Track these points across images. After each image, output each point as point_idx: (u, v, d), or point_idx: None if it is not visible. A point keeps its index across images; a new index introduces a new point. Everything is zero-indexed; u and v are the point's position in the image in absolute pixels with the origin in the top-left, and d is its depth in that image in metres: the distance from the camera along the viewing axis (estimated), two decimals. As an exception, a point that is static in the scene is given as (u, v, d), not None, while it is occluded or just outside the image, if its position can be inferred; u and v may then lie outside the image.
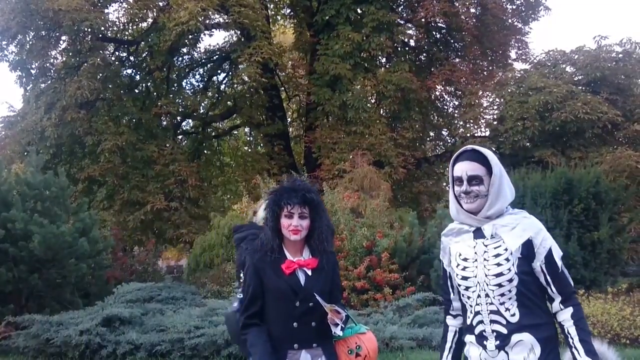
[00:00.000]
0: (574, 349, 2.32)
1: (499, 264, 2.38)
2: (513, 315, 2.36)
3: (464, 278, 2.47)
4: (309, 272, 2.75)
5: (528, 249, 2.38)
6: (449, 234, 2.60)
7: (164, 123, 18.47)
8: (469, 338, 2.50)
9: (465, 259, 2.49)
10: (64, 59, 17.38)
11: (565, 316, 2.37)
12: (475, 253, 2.45)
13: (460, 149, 2.58)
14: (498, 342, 2.38)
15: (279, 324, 2.69)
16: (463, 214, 2.50)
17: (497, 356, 2.39)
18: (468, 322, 2.50)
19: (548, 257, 2.37)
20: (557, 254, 2.40)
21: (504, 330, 2.37)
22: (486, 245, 2.43)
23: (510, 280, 2.36)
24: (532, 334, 2.34)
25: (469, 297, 2.47)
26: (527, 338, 2.34)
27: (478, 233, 2.47)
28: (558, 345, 2.41)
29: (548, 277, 2.37)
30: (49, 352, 7.33)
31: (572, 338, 2.33)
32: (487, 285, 2.39)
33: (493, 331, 2.39)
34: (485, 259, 2.42)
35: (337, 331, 2.67)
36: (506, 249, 2.39)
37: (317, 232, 2.79)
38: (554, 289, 2.38)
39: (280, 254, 2.76)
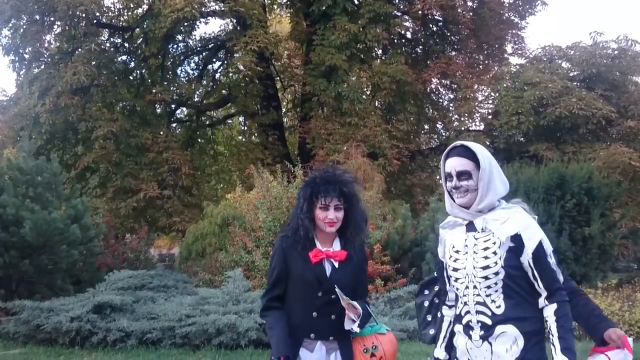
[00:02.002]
0: (552, 346, 2.33)
1: (486, 257, 2.43)
2: (498, 307, 2.40)
3: (455, 269, 2.53)
4: (336, 264, 2.70)
5: (516, 243, 2.39)
6: (445, 226, 2.65)
7: (158, 110, 18.41)
8: (457, 327, 2.56)
9: (457, 251, 2.54)
10: (58, 44, 17.24)
11: (548, 312, 2.37)
12: (466, 246, 2.50)
13: (450, 146, 2.62)
14: (482, 332, 2.42)
15: (299, 312, 2.67)
16: (456, 208, 2.56)
17: (481, 346, 2.43)
18: (457, 312, 2.57)
19: (536, 253, 2.37)
20: (547, 249, 2.40)
21: (489, 321, 2.41)
22: (477, 239, 2.48)
23: (497, 273, 2.39)
24: (516, 326, 2.36)
25: (457, 288, 2.54)
26: (511, 330, 2.36)
27: (470, 226, 2.52)
28: (544, 340, 2.42)
29: (535, 273, 2.38)
30: (39, 338, 7.31)
31: (552, 335, 2.34)
32: (475, 277, 2.44)
33: (478, 321, 2.44)
34: (475, 252, 2.47)
35: (354, 327, 2.63)
36: (494, 243, 2.42)
37: (352, 224, 2.74)
38: (540, 284, 2.38)
39: (310, 242, 2.71)
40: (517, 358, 2.35)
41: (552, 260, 2.40)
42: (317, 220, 2.70)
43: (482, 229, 2.47)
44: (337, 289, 2.60)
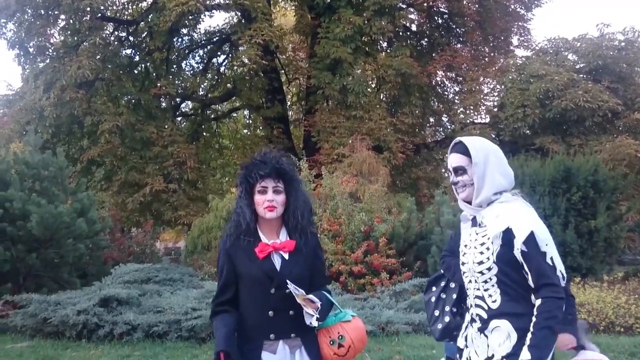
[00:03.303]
0: (525, 342, 2.30)
1: (481, 252, 2.46)
2: (494, 301, 2.42)
3: (462, 263, 2.59)
4: (286, 256, 2.52)
5: (508, 237, 2.37)
6: (462, 219, 2.67)
7: (163, 104, 18.41)
8: (467, 317, 2.63)
9: (465, 245, 2.59)
10: (63, 38, 17.26)
11: (534, 309, 2.32)
12: (471, 240, 2.55)
13: (453, 142, 2.64)
14: (480, 325, 2.47)
15: (254, 313, 2.48)
16: (461, 203, 2.60)
17: (480, 338, 2.48)
18: (467, 303, 2.64)
19: (525, 246, 2.33)
20: (540, 242, 2.34)
21: (485, 315, 2.45)
22: (477, 234, 2.52)
23: (490, 269, 2.42)
24: (510, 322, 2.36)
25: (464, 281, 2.60)
26: (505, 325, 2.37)
27: (474, 221, 2.56)
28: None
29: (525, 266, 2.35)
30: (47, 332, 7.36)
31: (529, 330, 2.31)
32: (474, 272, 2.49)
33: (477, 314, 2.49)
34: (474, 247, 2.51)
35: (313, 321, 2.43)
36: (489, 238, 2.44)
37: (292, 209, 2.55)
38: (530, 278, 2.35)
39: (254, 237, 2.54)
40: (508, 353, 2.34)
41: (544, 253, 2.34)
42: (257, 206, 2.52)
43: (480, 224, 2.51)
44: (289, 284, 2.43)
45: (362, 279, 9.28)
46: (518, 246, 2.34)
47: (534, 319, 2.30)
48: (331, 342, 2.53)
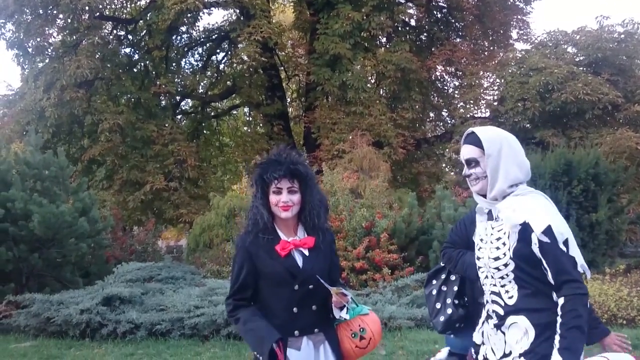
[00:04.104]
0: (554, 343, 2.23)
1: (497, 248, 2.38)
2: (511, 297, 2.36)
3: (478, 258, 2.52)
4: (306, 252, 2.55)
5: (525, 232, 2.30)
6: (478, 212, 2.58)
7: (163, 102, 18.40)
8: (483, 314, 2.56)
9: (481, 240, 2.51)
10: (61, 37, 17.24)
11: (558, 309, 2.25)
12: (486, 235, 2.47)
13: (465, 132, 2.57)
14: (496, 321, 2.41)
15: (278, 311, 2.49)
16: (476, 196, 2.52)
17: (496, 335, 2.42)
18: (483, 299, 2.57)
19: (543, 241, 2.26)
20: (558, 236, 2.27)
21: (501, 311, 2.39)
22: (492, 228, 2.44)
23: (506, 265, 2.35)
24: (528, 317, 2.30)
25: (480, 276, 2.53)
26: (522, 321, 2.31)
27: (490, 215, 2.49)
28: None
29: (544, 262, 2.28)
30: (50, 331, 7.39)
31: (556, 331, 2.23)
32: (490, 267, 2.41)
33: (493, 311, 2.43)
34: (490, 242, 2.43)
35: (343, 315, 2.51)
36: (505, 233, 2.37)
37: (308, 208, 2.56)
38: (549, 275, 2.27)
39: (273, 235, 2.54)
40: (525, 350, 2.29)
41: (563, 248, 2.26)
42: (272, 206, 2.53)
43: (496, 218, 2.43)
44: (321, 280, 2.46)
45: (364, 275, 9.29)
46: (535, 241, 2.27)
47: (559, 319, 2.22)
48: (353, 335, 2.56)
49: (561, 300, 2.24)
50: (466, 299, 3.30)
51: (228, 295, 2.61)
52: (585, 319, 2.23)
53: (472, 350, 2.68)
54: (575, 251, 2.30)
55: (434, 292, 3.34)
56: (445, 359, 2.97)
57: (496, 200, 2.43)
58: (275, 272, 2.50)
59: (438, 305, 3.29)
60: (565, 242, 2.28)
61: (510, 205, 2.37)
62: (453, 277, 3.27)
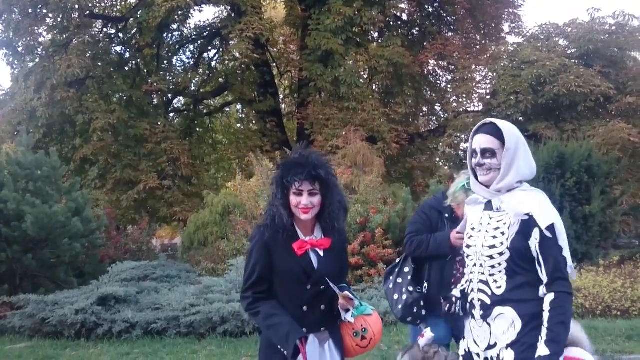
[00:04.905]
0: (540, 337, 2.30)
1: (494, 237, 2.43)
2: (499, 287, 2.39)
3: (468, 246, 2.55)
4: (321, 253, 2.59)
5: (527, 224, 2.36)
6: (470, 202, 2.65)
7: (155, 101, 18.32)
8: (466, 306, 2.58)
9: (473, 229, 2.56)
10: (51, 36, 17.13)
11: (545, 303, 2.32)
12: (481, 224, 2.51)
13: (480, 122, 2.59)
14: (482, 312, 2.44)
15: (289, 308, 2.52)
16: (478, 186, 2.55)
17: (482, 326, 2.45)
18: (464, 289, 2.60)
19: (545, 236, 2.33)
20: (559, 236, 2.35)
21: (488, 301, 2.42)
22: (491, 218, 2.48)
23: (501, 254, 2.39)
24: (515, 309, 2.35)
25: (467, 265, 2.55)
26: (509, 312, 2.35)
27: (488, 205, 2.52)
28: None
29: (540, 258, 2.35)
30: (45, 332, 7.35)
31: (543, 325, 2.30)
32: (482, 255, 2.45)
33: (479, 300, 2.45)
34: (486, 231, 2.47)
35: (348, 317, 2.60)
36: (505, 223, 2.42)
37: (328, 211, 2.58)
38: (543, 270, 2.34)
39: (292, 232, 2.57)
40: (512, 341, 2.34)
41: (561, 247, 2.35)
42: (292, 207, 2.55)
43: (497, 209, 2.47)
44: (330, 284, 2.52)
45: (360, 271, 9.29)
46: (537, 235, 2.34)
47: (547, 313, 2.29)
48: (355, 334, 2.63)
49: (551, 296, 2.31)
50: (426, 284, 3.47)
51: (244, 288, 2.61)
52: (570, 316, 2.33)
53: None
54: (567, 253, 2.38)
55: (391, 285, 3.66)
56: (427, 343, 2.99)
57: (499, 192, 2.47)
58: (290, 269, 2.54)
59: (396, 297, 3.52)
60: (563, 242, 2.36)
61: (516, 198, 2.43)
62: (406, 269, 3.52)
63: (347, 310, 2.59)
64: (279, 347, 2.46)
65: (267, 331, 2.54)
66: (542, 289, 2.34)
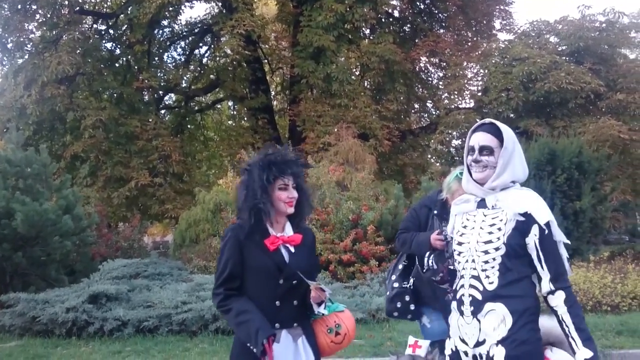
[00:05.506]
0: (570, 339, 2.33)
1: (490, 232, 2.45)
2: (491, 283, 2.40)
3: (459, 243, 2.56)
4: (292, 249, 2.63)
5: (524, 222, 2.40)
6: (458, 202, 2.68)
7: (146, 97, 18.24)
8: (453, 304, 2.58)
9: (464, 227, 2.58)
10: (41, 33, 17.00)
11: (557, 301, 2.36)
12: (474, 222, 2.54)
13: (479, 122, 2.64)
14: (472, 308, 2.44)
15: (261, 303, 2.54)
16: (472, 183, 2.58)
17: (471, 323, 2.45)
18: (454, 286, 2.60)
19: (543, 234, 2.38)
20: (556, 234, 2.41)
21: (479, 297, 2.42)
22: (485, 215, 2.51)
23: (497, 249, 2.41)
24: (505, 305, 2.36)
25: (459, 262, 2.56)
26: (500, 309, 2.36)
27: (481, 203, 2.55)
28: (536, 320, 2.41)
29: (540, 254, 2.38)
30: (36, 330, 7.30)
31: (567, 326, 2.33)
32: (476, 251, 2.47)
33: (470, 295, 2.46)
34: (481, 227, 2.49)
35: (321, 310, 2.61)
36: (501, 220, 2.45)
37: (302, 206, 2.67)
38: (544, 266, 2.37)
39: (265, 229, 2.61)
40: (503, 337, 2.34)
41: (559, 243, 2.41)
42: (277, 201, 2.60)
43: (493, 206, 2.50)
44: (302, 276, 2.55)
45: (352, 267, 9.31)
46: (536, 232, 2.38)
47: (567, 312, 2.33)
48: (328, 331, 2.65)
49: (562, 294, 2.36)
50: (412, 279, 3.53)
51: (217, 285, 2.62)
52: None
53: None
54: (563, 249, 2.44)
55: (387, 282, 3.78)
56: (429, 351, 3.01)
57: (493, 190, 2.52)
58: (263, 265, 2.56)
59: (387, 293, 3.58)
60: (559, 239, 2.42)
61: (513, 195, 2.48)
62: (400, 266, 3.62)
63: (319, 304, 2.60)
64: (247, 344, 2.47)
65: (237, 328, 2.55)
66: (547, 285, 2.37)
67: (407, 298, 3.57)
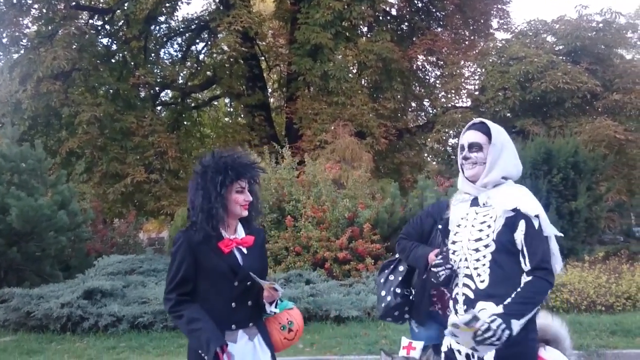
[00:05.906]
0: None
1: (480, 230, 2.47)
2: (482, 281, 2.42)
3: (454, 242, 2.59)
4: (245, 251, 2.67)
5: (513, 217, 2.41)
6: (454, 201, 2.71)
7: (142, 94, 18.16)
8: (450, 303, 2.60)
9: (458, 225, 2.60)
10: (36, 27, 16.92)
11: (523, 282, 2.36)
12: (467, 220, 2.56)
13: (471, 121, 2.68)
14: (465, 307, 2.45)
15: (217, 305, 2.57)
16: (465, 182, 2.61)
17: None
18: (450, 285, 2.60)
19: (529, 228, 2.38)
20: (545, 228, 2.40)
21: (471, 295, 2.44)
22: (477, 213, 2.53)
23: (487, 246, 2.43)
24: (496, 304, 2.35)
25: (454, 261, 2.57)
26: (491, 308, 2.35)
27: (474, 201, 2.58)
28: (530, 320, 2.38)
29: (525, 249, 2.38)
30: (30, 325, 7.29)
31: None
32: (468, 249, 2.49)
33: (463, 294, 2.47)
34: (472, 225, 2.52)
35: (273, 308, 2.68)
36: (492, 217, 2.46)
37: (253, 209, 2.72)
38: (527, 260, 2.38)
39: (216, 232, 2.62)
40: None
41: (548, 238, 2.40)
42: (233, 204, 2.63)
43: (484, 204, 2.53)
44: (254, 277, 2.58)
45: (347, 265, 9.30)
46: (522, 227, 2.39)
47: (518, 289, 2.32)
48: (282, 328, 2.74)
49: (530, 277, 2.35)
50: (412, 289, 3.44)
51: (168, 290, 2.62)
52: (539, 300, 2.35)
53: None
54: (554, 244, 2.44)
55: (382, 280, 3.61)
56: (423, 352, 3.00)
57: (485, 187, 2.54)
58: (218, 267, 2.59)
59: (383, 293, 3.54)
60: (549, 235, 2.42)
61: (503, 192, 2.50)
62: (401, 268, 3.49)
63: (271, 303, 2.67)
64: (199, 352, 2.50)
65: (189, 335, 2.57)
66: (524, 276, 2.37)
67: (406, 308, 3.53)
